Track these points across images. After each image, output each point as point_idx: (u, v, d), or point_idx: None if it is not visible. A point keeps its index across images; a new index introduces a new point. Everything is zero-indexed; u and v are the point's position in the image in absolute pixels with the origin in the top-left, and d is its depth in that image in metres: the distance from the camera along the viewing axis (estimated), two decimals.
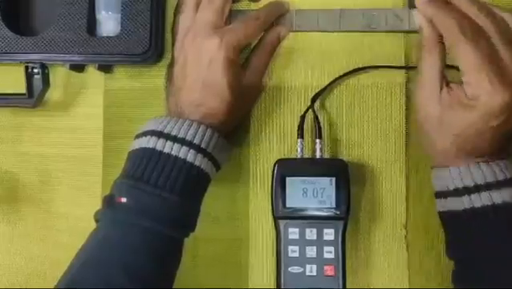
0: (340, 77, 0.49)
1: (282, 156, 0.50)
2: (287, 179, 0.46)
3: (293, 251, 0.46)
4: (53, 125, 0.54)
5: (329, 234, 0.46)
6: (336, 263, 0.46)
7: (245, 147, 0.51)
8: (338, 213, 0.46)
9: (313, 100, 0.49)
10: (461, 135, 0.42)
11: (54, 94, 0.53)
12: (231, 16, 0.49)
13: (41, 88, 0.51)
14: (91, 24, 0.51)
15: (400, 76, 0.49)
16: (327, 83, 0.49)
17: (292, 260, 0.46)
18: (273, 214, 0.47)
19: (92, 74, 0.53)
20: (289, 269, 0.46)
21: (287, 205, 0.46)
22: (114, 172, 0.45)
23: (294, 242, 0.46)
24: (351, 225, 0.47)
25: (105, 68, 0.52)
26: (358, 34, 0.50)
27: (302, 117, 0.48)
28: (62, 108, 0.53)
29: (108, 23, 0.51)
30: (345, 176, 0.46)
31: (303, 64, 0.50)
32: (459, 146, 0.42)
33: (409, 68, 0.49)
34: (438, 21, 0.43)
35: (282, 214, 0.46)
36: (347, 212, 0.46)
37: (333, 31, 0.50)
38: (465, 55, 0.41)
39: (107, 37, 0.50)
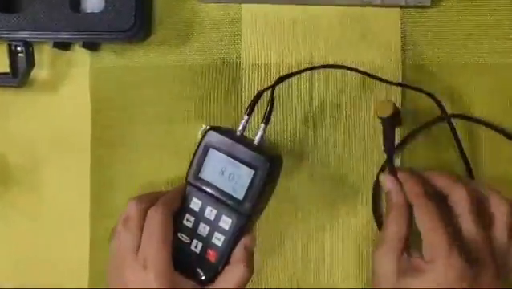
0: (314, 68, 0.42)
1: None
2: (211, 150, 0.43)
3: (188, 220, 0.44)
4: (40, 105, 0.54)
5: (225, 222, 0.43)
6: (220, 252, 0.43)
7: None
8: (241, 207, 0.42)
9: (277, 81, 0.43)
10: None
11: (40, 73, 0.54)
12: None
13: (25, 67, 0.50)
14: (75, 0, 0.50)
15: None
16: (314, 60, 0.48)
17: (184, 228, 0.44)
18: (186, 177, 0.45)
19: (78, 52, 0.53)
20: (178, 234, 0.45)
21: (200, 176, 0.44)
22: (102, 152, 0.46)
23: (192, 212, 0.44)
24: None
25: (91, 46, 0.51)
26: (354, 7, 0.48)
27: (259, 93, 0.43)
28: (48, 88, 0.54)
29: None
30: (268, 173, 0.42)
31: (295, 38, 0.45)
32: None
33: (394, 84, 0.47)
34: (406, 186, 0.43)
35: (192, 181, 0.44)
36: (252, 211, 0.42)
37: (328, 5, 0.48)
38: (424, 217, 0.41)
39: (92, 13, 0.50)
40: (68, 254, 0.54)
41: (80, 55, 0.53)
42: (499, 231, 0.40)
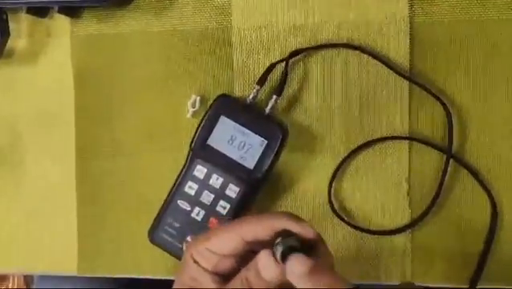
0: (328, 46, 0.44)
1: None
2: (221, 118, 0.43)
3: (190, 188, 0.43)
4: (19, 78, 0.50)
5: (232, 190, 0.43)
6: (223, 221, 0.43)
7: None
8: (251, 176, 0.42)
9: (292, 54, 0.44)
10: None
11: (17, 44, 0.49)
12: None
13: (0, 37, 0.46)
14: None
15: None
16: (313, 19, 0.44)
17: (185, 195, 0.43)
18: (190, 143, 0.43)
19: (58, 20, 0.49)
20: (178, 201, 0.43)
21: (208, 143, 0.43)
22: (88, 125, 0.44)
23: (195, 180, 0.43)
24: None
25: (69, 12, 0.47)
26: None
27: (272, 65, 0.44)
28: (27, 60, 0.50)
29: None
30: (279, 143, 0.42)
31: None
32: None
33: (414, 82, 0.43)
34: None
35: (198, 148, 0.43)
36: (262, 180, 0.43)
37: None
38: None
39: None
40: (54, 237, 0.50)
41: (60, 23, 0.49)
42: None
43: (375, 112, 0.45)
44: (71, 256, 0.49)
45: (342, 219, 0.44)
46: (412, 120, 0.44)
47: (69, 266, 0.49)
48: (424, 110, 0.44)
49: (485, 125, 0.43)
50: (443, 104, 0.43)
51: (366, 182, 0.45)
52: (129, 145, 0.48)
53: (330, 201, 0.44)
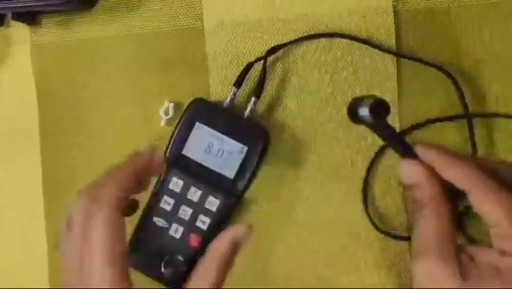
0: (308, 37, 0.41)
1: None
2: (197, 124, 0.39)
3: (166, 203, 0.40)
4: None
5: (213, 203, 0.39)
6: (205, 237, 0.39)
7: None
8: (232, 187, 0.39)
9: (270, 52, 0.40)
10: None
11: None
12: None
13: None
14: None
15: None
16: (291, 12, 0.41)
17: (161, 211, 0.40)
18: (164, 154, 0.40)
19: (16, 27, 0.46)
20: (153, 218, 0.40)
21: (183, 152, 0.39)
22: (54, 139, 0.42)
23: (171, 194, 0.40)
24: None
25: (26, 19, 0.44)
26: None
27: (249, 65, 0.40)
28: None
29: None
30: (261, 149, 0.39)
31: None
32: None
33: (392, 54, 0.41)
34: (447, 171, 0.31)
35: (173, 159, 0.39)
36: (244, 190, 0.39)
37: None
38: (489, 202, 0.29)
39: None
40: (24, 253, 0.46)
41: (19, 31, 0.45)
42: None
43: None
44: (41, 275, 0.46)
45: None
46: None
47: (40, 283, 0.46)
48: None
49: None
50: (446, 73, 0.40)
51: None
52: (98, 159, 0.44)
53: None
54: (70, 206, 0.33)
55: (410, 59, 0.41)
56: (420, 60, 0.41)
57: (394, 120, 0.41)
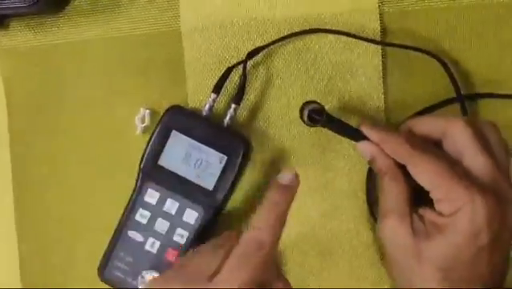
0: (292, 35, 0.39)
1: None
2: (173, 133, 0.37)
3: (142, 216, 0.38)
4: None
5: (191, 216, 0.38)
6: (183, 251, 0.37)
7: None
8: (210, 199, 0.37)
9: (250, 55, 0.38)
10: (448, 268, 0.34)
11: None
12: None
13: None
14: None
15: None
16: (274, 13, 0.40)
17: (136, 225, 0.38)
18: (139, 164, 0.38)
19: None
20: (128, 232, 0.38)
21: (159, 163, 0.37)
22: (24, 149, 0.41)
23: (147, 206, 0.38)
24: None
25: None
26: None
27: (228, 70, 0.38)
28: None
29: None
30: (241, 159, 0.37)
31: None
32: (448, 282, 0.34)
33: (385, 44, 0.40)
34: (387, 145, 0.36)
35: (148, 170, 0.37)
36: (223, 202, 0.37)
37: None
38: (426, 169, 0.34)
39: None
40: None
41: None
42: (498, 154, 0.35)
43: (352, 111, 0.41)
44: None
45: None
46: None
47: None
48: None
49: None
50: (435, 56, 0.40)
51: None
52: (72, 170, 0.42)
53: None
54: None
55: (396, 46, 0.40)
56: (406, 47, 0.40)
57: (379, 114, 0.41)
